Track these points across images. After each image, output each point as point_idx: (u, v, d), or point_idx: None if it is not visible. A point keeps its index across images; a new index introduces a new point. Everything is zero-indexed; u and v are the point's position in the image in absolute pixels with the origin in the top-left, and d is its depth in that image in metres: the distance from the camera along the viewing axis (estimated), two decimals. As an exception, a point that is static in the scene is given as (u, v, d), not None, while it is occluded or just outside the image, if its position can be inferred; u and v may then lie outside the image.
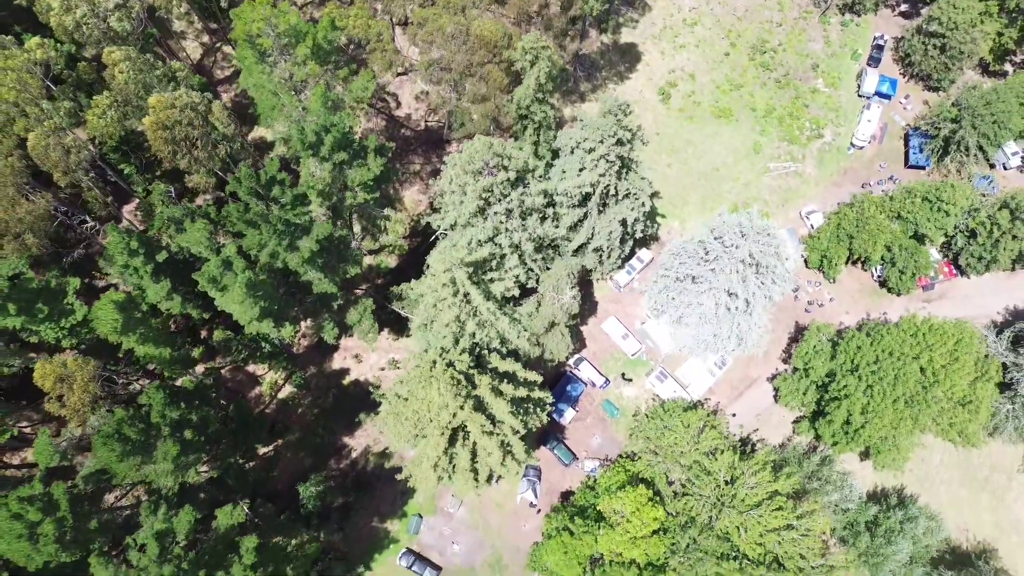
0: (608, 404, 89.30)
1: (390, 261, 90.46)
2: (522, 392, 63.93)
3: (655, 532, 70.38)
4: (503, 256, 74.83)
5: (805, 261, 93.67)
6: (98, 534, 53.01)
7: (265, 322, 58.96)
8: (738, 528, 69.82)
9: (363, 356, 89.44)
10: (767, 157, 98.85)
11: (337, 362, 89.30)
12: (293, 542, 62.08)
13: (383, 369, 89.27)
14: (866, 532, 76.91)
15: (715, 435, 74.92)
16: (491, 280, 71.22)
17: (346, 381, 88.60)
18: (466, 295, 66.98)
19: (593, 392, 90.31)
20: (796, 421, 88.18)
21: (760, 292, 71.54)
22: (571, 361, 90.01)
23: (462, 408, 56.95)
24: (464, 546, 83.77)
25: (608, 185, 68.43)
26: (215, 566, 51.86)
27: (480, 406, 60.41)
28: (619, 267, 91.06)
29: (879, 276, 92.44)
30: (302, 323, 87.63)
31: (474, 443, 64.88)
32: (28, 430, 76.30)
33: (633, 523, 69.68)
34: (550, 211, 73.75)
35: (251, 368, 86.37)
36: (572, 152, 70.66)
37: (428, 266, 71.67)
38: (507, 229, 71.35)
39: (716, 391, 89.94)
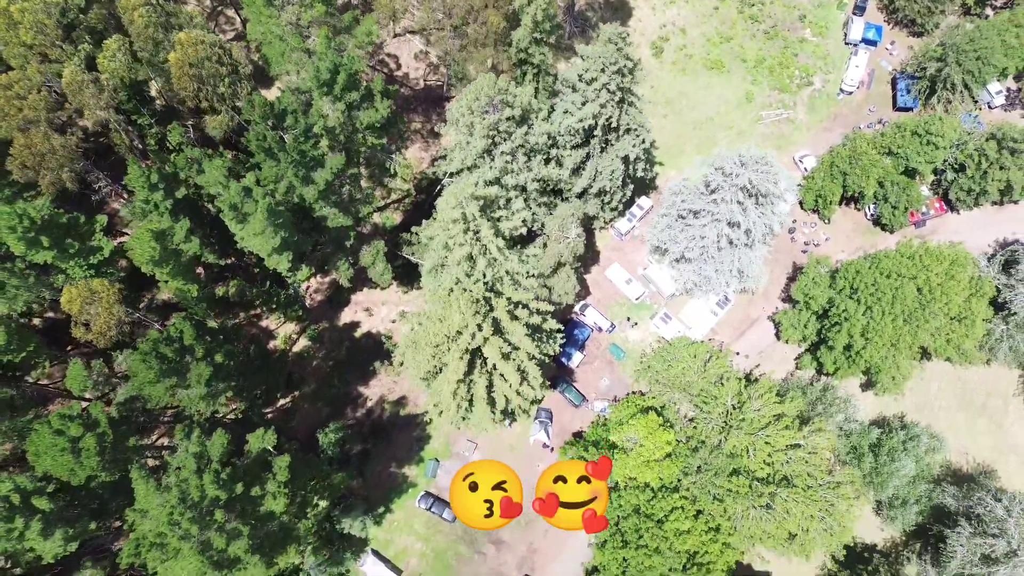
0: (615, 347, 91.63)
1: (395, 218, 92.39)
2: (536, 319, 65.97)
3: (667, 456, 72.71)
4: (508, 200, 76.93)
5: (800, 203, 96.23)
6: (136, 453, 54.75)
7: (284, 256, 60.78)
8: (747, 449, 72.18)
9: (374, 310, 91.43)
10: (759, 106, 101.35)
11: (348, 316, 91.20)
12: (320, 473, 63.98)
13: (394, 322, 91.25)
14: (869, 453, 79.53)
15: (721, 363, 77.34)
16: (499, 219, 73.22)
17: (358, 334, 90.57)
18: (476, 232, 69.04)
19: (599, 337, 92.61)
20: (798, 357, 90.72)
21: (760, 221, 73.92)
22: (577, 308, 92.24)
23: (480, 328, 58.90)
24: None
25: (610, 117, 70.60)
26: (250, 483, 53.72)
27: (497, 329, 62.43)
28: (620, 214, 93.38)
29: (872, 214, 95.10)
30: (316, 278, 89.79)
31: (491, 371, 66.87)
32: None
33: (646, 446, 72.00)
34: (554, 152, 75.84)
35: (265, 324, 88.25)
36: (574, 90, 72.81)
37: (437, 210, 73.65)
38: (513, 170, 73.41)
39: (719, 331, 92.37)
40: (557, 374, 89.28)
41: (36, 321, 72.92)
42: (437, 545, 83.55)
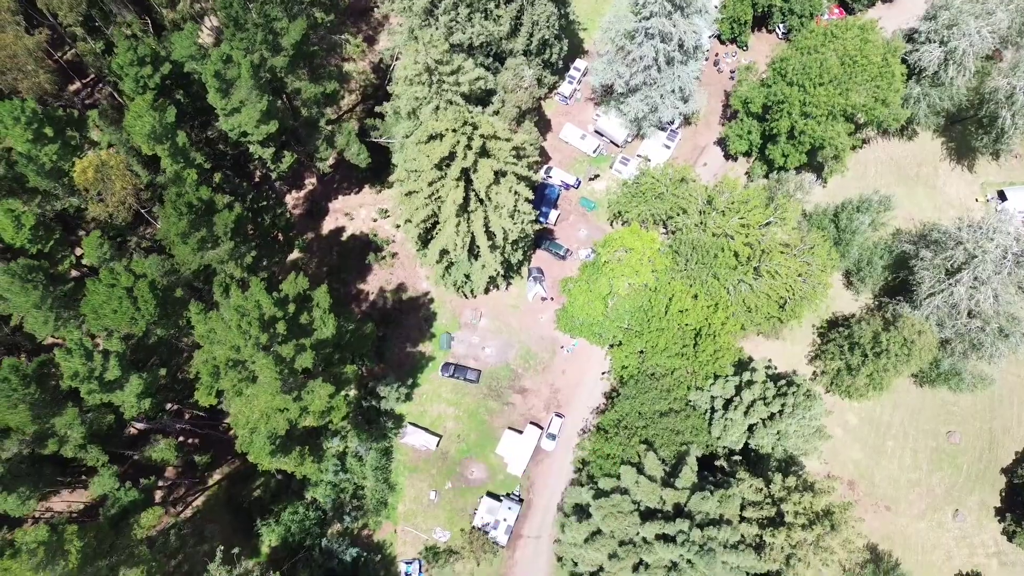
0: (584, 200, 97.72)
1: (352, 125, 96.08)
2: (515, 142, 70.92)
3: (656, 252, 79.13)
4: (459, 66, 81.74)
5: (719, 36, 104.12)
6: (183, 305, 57.39)
7: (272, 124, 64.06)
8: (725, 233, 79.06)
9: (353, 213, 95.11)
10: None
11: (331, 224, 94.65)
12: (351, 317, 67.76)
13: (375, 220, 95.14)
14: (831, 225, 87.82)
15: (686, 170, 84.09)
16: (456, 83, 77.81)
17: (344, 238, 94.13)
18: (440, 82, 73.83)
19: (568, 194, 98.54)
20: (748, 171, 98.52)
21: (689, 29, 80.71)
22: (541, 172, 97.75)
23: (470, 141, 63.47)
24: (494, 348, 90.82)
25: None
26: (298, 311, 57.19)
27: (484, 152, 67.26)
28: (560, 77, 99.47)
29: (783, 32, 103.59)
30: (291, 193, 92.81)
31: (485, 202, 71.67)
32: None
33: (635, 249, 78.29)
34: (491, 6, 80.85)
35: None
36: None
37: (394, 81, 77.78)
38: (457, 27, 78.15)
39: (674, 164, 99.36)
40: (540, 234, 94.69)
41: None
42: (467, 406, 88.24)
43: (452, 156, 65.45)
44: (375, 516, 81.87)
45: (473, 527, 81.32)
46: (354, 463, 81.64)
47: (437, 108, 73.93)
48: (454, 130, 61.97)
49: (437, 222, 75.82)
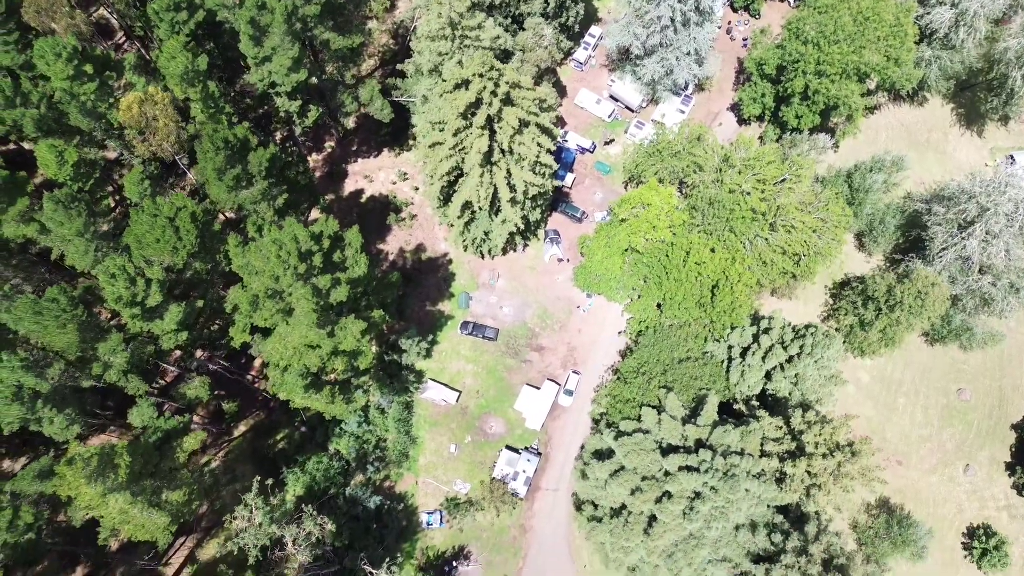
0: (600, 164, 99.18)
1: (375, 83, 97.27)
2: (532, 94, 72.23)
3: (674, 209, 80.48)
4: (480, 23, 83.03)
5: (731, 5, 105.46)
6: (221, 241, 58.87)
7: (301, 71, 65.51)
8: (742, 187, 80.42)
9: (372, 176, 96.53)
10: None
11: (351, 186, 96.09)
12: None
13: (394, 183, 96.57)
14: (844, 185, 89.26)
15: (701, 128, 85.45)
16: (478, 38, 79.21)
17: (363, 199, 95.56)
18: (463, 37, 75.25)
19: (584, 158, 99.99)
20: (762, 135, 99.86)
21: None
22: (560, 137, 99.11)
23: (496, 87, 64.83)
24: (512, 308, 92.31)
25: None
26: (331, 249, 58.73)
27: (508, 101, 68.64)
28: (575, 43, 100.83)
29: (796, 2, 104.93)
30: (312, 155, 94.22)
31: (507, 154, 73.04)
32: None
33: (653, 204, 79.66)
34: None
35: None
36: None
37: (417, 37, 79.04)
38: (478, -13, 79.40)
39: (690, 124, 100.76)
40: (556, 198, 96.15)
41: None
42: (486, 363, 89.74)
43: (477, 104, 66.82)
44: (397, 468, 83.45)
45: (493, 478, 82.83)
46: (376, 416, 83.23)
47: (460, 63, 75.25)
48: (480, 75, 63.33)
49: (460, 175, 77.24)
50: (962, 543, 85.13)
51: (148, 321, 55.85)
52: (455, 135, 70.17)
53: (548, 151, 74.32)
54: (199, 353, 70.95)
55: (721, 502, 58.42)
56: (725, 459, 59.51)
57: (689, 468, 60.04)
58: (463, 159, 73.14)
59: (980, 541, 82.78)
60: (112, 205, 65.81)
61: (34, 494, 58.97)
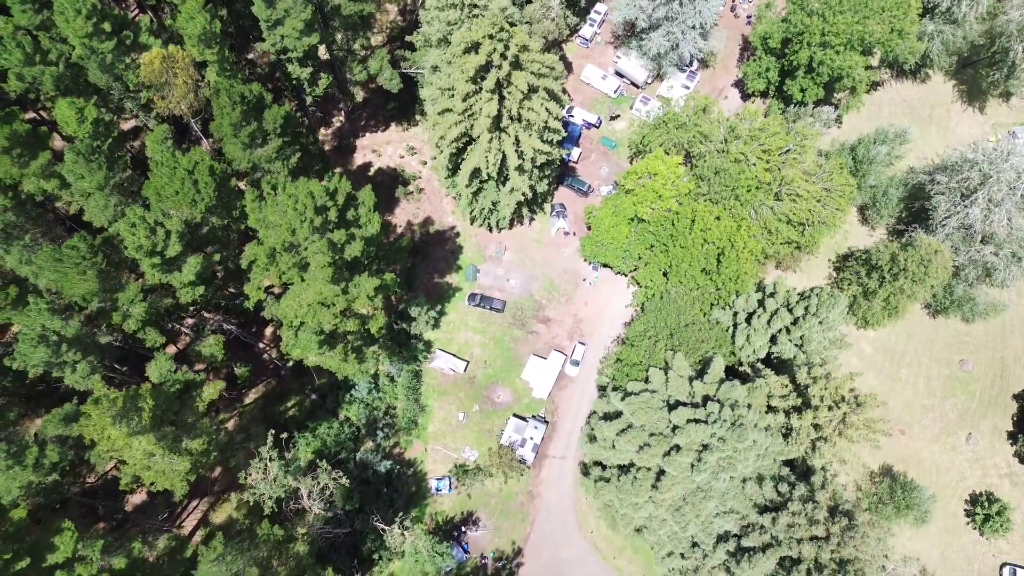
0: (605, 139, 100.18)
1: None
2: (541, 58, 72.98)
3: (679, 178, 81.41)
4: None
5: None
6: (238, 196, 59.75)
7: (313, 35, 66.44)
8: (747, 156, 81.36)
9: (381, 150, 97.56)
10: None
11: (359, 159, 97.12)
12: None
13: (402, 157, 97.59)
14: (848, 157, 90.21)
15: (707, 98, 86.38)
16: (486, 6, 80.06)
17: (372, 172, 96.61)
18: (472, 6, 76.16)
19: (589, 133, 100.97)
20: (766, 110, 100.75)
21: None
22: (564, 111, 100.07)
23: (507, 49, 65.69)
24: (519, 280, 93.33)
25: None
26: (345, 207, 59.75)
27: (517, 65, 69.58)
28: (581, 20, 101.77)
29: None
30: (321, 129, 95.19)
31: (516, 120, 73.94)
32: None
33: (660, 173, 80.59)
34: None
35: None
36: None
37: (425, 7, 79.91)
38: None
39: (695, 96, 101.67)
40: (562, 172, 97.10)
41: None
42: (493, 334, 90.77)
43: (487, 67, 67.75)
44: (406, 435, 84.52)
45: (501, 445, 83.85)
46: (386, 383, 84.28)
47: (469, 30, 76.02)
48: (491, 36, 64.26)
49: (469, 142, 78.17)
50: (964, 510, 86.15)
51: (167, 272, 56.88)
52: (464, 100, 71.08)
53: (556, 117, 75.25)
54: (213, 316, 72.01)
55: (729, 451, 59.41)
56: (732, 410, 60.53)
57: (697, 420, 61.05)
58: (472, 125, 74.06)
59: (982, 507, 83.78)
60: (128, 163, 66.77)
61: (59, 438, 59.89)
